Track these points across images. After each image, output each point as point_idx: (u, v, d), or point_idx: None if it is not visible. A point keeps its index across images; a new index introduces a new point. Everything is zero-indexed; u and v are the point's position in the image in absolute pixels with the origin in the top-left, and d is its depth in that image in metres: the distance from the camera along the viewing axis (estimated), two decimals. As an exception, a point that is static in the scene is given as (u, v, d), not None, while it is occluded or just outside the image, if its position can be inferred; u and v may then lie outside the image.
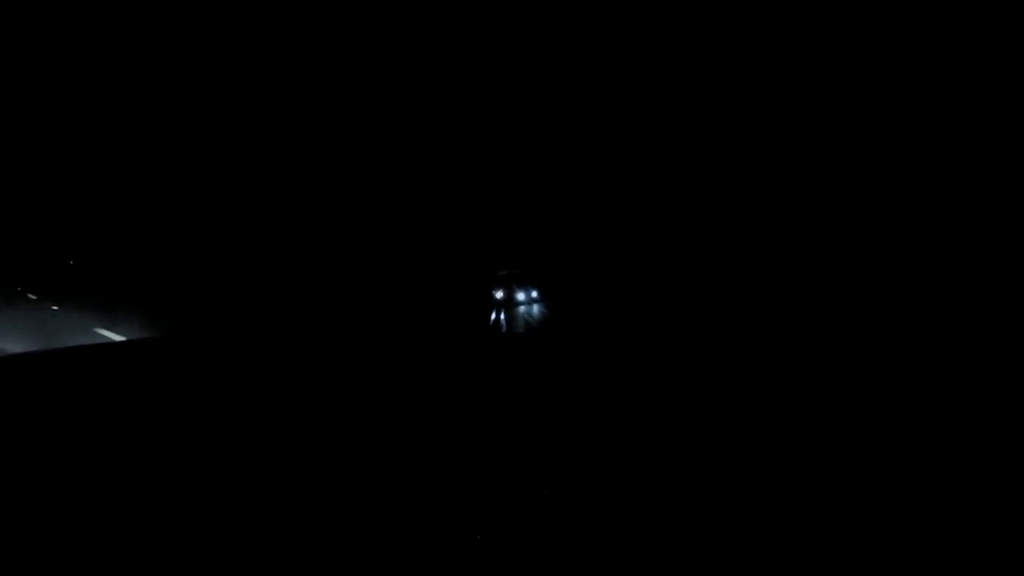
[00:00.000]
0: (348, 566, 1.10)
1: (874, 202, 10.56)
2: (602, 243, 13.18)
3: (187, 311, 14.68)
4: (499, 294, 11.34)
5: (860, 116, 10.94)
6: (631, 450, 1.58)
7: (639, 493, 1.33)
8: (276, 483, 1.36)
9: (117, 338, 11.04)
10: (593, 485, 1.37)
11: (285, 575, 1.07)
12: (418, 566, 1.09)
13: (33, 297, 19.33)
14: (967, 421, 1.75)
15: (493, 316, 10.65)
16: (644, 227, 12.99)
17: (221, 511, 1.26)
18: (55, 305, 16.99)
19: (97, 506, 1.25)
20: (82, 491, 1.32)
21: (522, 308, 11.51)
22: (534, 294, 11.67)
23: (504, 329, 10.29)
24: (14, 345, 10.66)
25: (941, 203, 9.86)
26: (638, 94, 13.16)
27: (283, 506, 1.26)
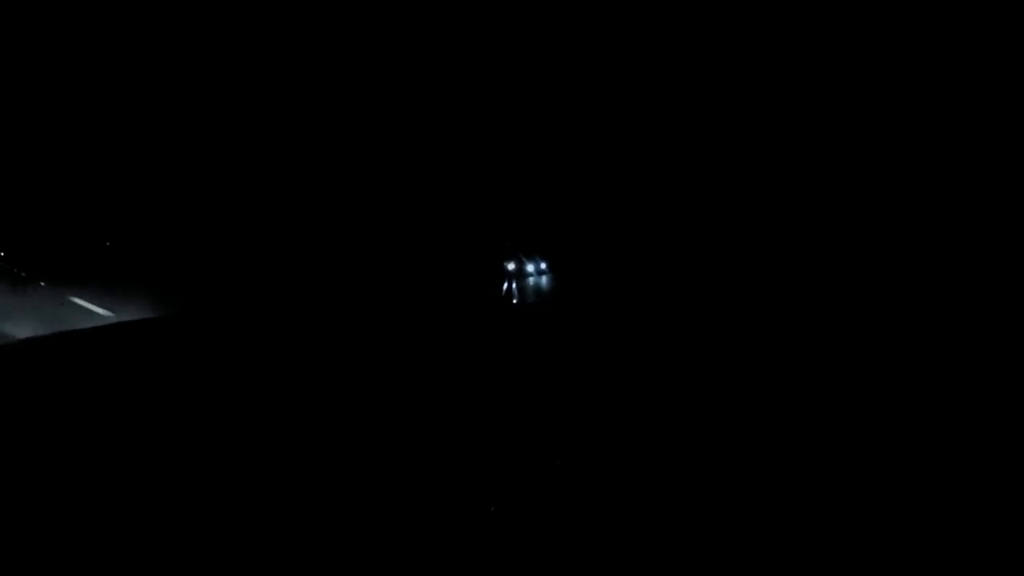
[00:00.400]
0: (360, 530, 1.06)
1: (876, 202, 10.43)
2: (609, 214, 13.14)
3: (204, 282, 14.68)
4: (510, 265, 11.46)
5: (865, 114, 10.76)
6: (640, 418, 1.56)
7: (649, 462, 1.31)
8: (294, 447, 1.33)
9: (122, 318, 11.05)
10: (604, 453, 1.34)
11: (301, 541, 1.04)
12: (430, 535, 1.05)
13: (43, 284, 19.36)
14: (967, 421, 1.72)
15: (504, 287, 10.76)
16: (651, 199, 12.92)
17: (243, 472, 1.24)
18: (60, 290, 17.03)
19: (105, 480, 1.23)
20: (91, 467, 1.30)
21: (532, 279, 11.66)
22: (543, 265, 11.85)
23: (515, 299, 10.39)
24: (22, 332, 10.66)
25: (941, 203, 9.73)
26: (647, 63, 12.94)
27: (300, 470, 1.23)
